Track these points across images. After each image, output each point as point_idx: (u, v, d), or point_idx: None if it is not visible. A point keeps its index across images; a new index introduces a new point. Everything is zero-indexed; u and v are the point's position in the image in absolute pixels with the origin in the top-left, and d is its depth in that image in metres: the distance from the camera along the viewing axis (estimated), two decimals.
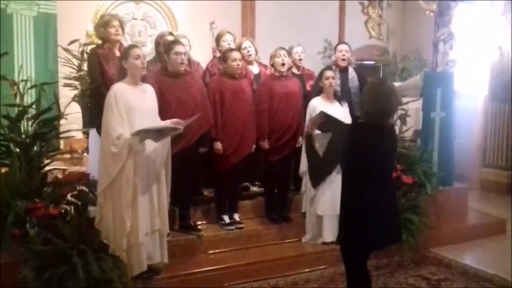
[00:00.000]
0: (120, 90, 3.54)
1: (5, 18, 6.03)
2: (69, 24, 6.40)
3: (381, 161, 2.90)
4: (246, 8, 8.07)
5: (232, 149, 4.50)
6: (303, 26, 8.17)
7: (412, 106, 5.79)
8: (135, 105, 3.55)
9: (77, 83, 6.22)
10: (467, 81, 7.50)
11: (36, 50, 6.28)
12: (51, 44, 6.37)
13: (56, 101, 4.00)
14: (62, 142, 6.39)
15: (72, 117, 6.03)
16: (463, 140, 7.47)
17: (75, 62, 6.27)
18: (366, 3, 8.97)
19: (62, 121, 6.21)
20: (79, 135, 6.04)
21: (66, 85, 6.27)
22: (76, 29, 6.49)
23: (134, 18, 7.24)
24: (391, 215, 2.97)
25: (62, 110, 5.83)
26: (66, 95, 6.14)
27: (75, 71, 6.26)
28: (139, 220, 3.54)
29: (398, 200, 3.24)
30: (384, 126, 2.90)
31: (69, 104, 4.79)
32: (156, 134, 3.50)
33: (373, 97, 2.84)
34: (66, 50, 6.28)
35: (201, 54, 5.47)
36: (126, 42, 6.95)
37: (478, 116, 7.61)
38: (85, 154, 5.97)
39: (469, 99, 7.55)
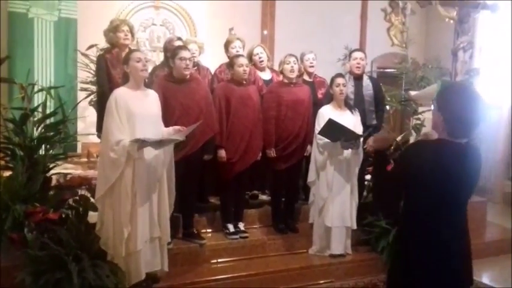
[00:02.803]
0: (121, 94, 3.51)
1: (26, 23, 6.17)
2: (90, 29, 6.45)
3: (448, 189, 2.23)
4: (266, 15, 8.03)
5: (238, 156, 4.42)
6: (323, 33, 8.08)
7: (428, 116, 5.60)
8: (136, 110, 3.52)
9: (93, 87, 6.27)
10: (491, 91, 7.26)
11: (56, 54, 6.40)
12: (71, 48, 6.49)
13: (61, 105, 4.01)
14: (79, 146, 6.48)
15: (91, 121, 6.12)
16: (487, 152, 7.23)
17: (93, 66, 6.32)
18: (389, 10, 8.81)
19: (80, 125, 6.35)
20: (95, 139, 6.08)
21: (82, 89, 6.34)
22: (96, 34, 6.52)
23: (154, 24, 7.27)
24: (451, 257, 2.26)
25: (78, 113, 5.93)
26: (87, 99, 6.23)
27: (92, 75, 6.32)
28: (137, 228, 3.49)
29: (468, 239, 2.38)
30: (463, 146, 2.26)
31: (74, 106, 4.77)
32: (155, 143, 3.46)
33: (455, 105, 2.20)
34: (84, 54, 6.35)
35: (220, 60, 5.42)
36: (145, 47, 7.03)
37: (503, 127, 7.34)
38: (99, 158, 6.00)
39: (494, 110, 7.30)
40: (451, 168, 2.20)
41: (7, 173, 3.89)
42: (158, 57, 6.91)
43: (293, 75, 4.64)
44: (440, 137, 2.29)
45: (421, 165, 2.21)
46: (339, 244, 4.55)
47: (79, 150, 6.47)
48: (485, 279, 4.60)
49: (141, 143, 3.36)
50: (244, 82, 4.50)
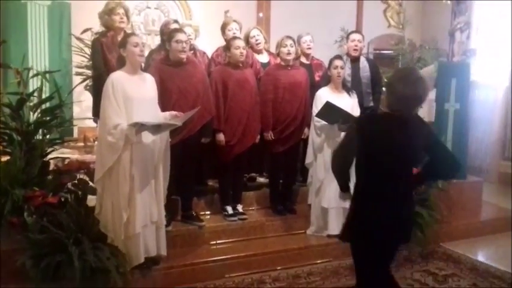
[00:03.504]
0: (117, 78, 3.50)
1: (20, 7, 6.11)
2: (83, 14, 6.41)
3: (390, 155, 2.61)
4: None
5: (236, 139, 4.43)
6: (320, 15, 8.04)
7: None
8: (133, 94, 3.51)
9: (88, 71, 6.24)
10: (488, 71, 7.27)
11: (50, 38, 6.36)
12: (65, 32, 6.45)
13: (57, 90, 3.99)
14: (76, 130, 6.47)
15: (87, 106, 6.10)
16: (482, 132, 7.27)
17: (87, 50, 6.28)
18: None
19: (76, 110, 6.33)
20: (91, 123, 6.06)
21: (77, 74, 6.32)
22: (90, 18, 6.47)
23: (148, 7, 7.22)
24: (398, 215, 2.67)
25: (73, 97, 5.91)
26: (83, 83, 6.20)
27: (87, 59, 6.29)
28: (136, 211, 3.51)
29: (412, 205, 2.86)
30: (404, 118, 2.62)
31: (71, 91, 4.76)
32: (153, 128, 3.47)
33: (396, 84, 2.59)
34: (78, 39, 6.31)
35: (215, 43, 5.41)
36: (140, 31, 6.98)
37: (499, 108, 7.35)
38: (96, 143, 6.00)
39: (490, 91, 7.33)
40: (392, 136, 2.61)
41: (4, 158, 3.89)
42: (153, 41, 6.87)
43: (290, 58, 4.63)
44: (385, 110, 2.71)
45: (369, 133, 2.63)
46: (336, 224, 4.57)
47: (75, 134, 6.47)
48: (481, 258, 4.66)
49: (140, 127, 3.37)
50: (241, 65, 4.48)
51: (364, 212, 2.69)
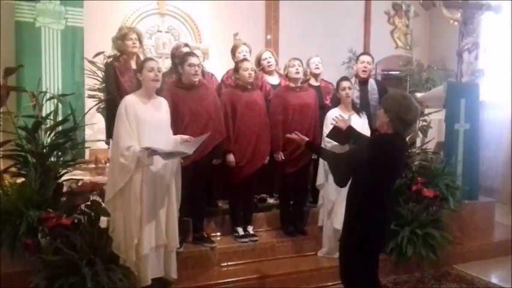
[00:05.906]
0: (130, 101, 3.57)
1: (34, 32, 6.24)
2: (96, 37, 6.53)
3: (398, 171, 3.20)
4: (270, 19, 8.09)
5: (246, 161, 4.47)
6: (327, 36, 8.14)
7: (435, 117, 5.63)
8: (146, 117, 3.57)
9: (101, 94, 6.33)
10: (496, 91, 7.28)
11: (64, 62, 6.47)
12: (78, 56, 6.55)
13: (72, 112, 4.05)
14: (87, 152, 6.52)
15: (98, 128, 6.17)
16: (493, 152, 7.25)
17: (100, 74, 6.38)
18: (392, 12, 8.86)
19: (88, 132, 6.39)
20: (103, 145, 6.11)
21: (90, 96, 6.40)
22: (102, 42, 6.58)
23: (159, 31, 7.35)
24: (390, 223, 3.40)
25: (86, 120, 5.99)
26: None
27: (99, 82, 6.38)
28: (144, 233, 3.54)
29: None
30: (404, 139, 3.09)
31: (85, 114, 4.83)
32: (165, 154, 3.51)
33: (406, 113, 2.88)
34: (91, 62, 6.41)
35: (224, 65, 5.49)
36: (151, 54, 7.09)
37: (508, 127, 7.34)
38: (107, 164, 6.05)
39: (499, 110, 7.33)
40: (400, 156, 3.03)
41: (20, 180, 3.94)
42: (164, 64, 6.97)
43: (298, 77, 4.69)
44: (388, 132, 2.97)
45: (382, 151, 2.89)
46: None
47: (87, 156, 6.52)
48: (494, 280, 4.61)
49: (151, 152, 3.41)
50: (250, 87, 4.55)
51: (379, 222, 2.99)
